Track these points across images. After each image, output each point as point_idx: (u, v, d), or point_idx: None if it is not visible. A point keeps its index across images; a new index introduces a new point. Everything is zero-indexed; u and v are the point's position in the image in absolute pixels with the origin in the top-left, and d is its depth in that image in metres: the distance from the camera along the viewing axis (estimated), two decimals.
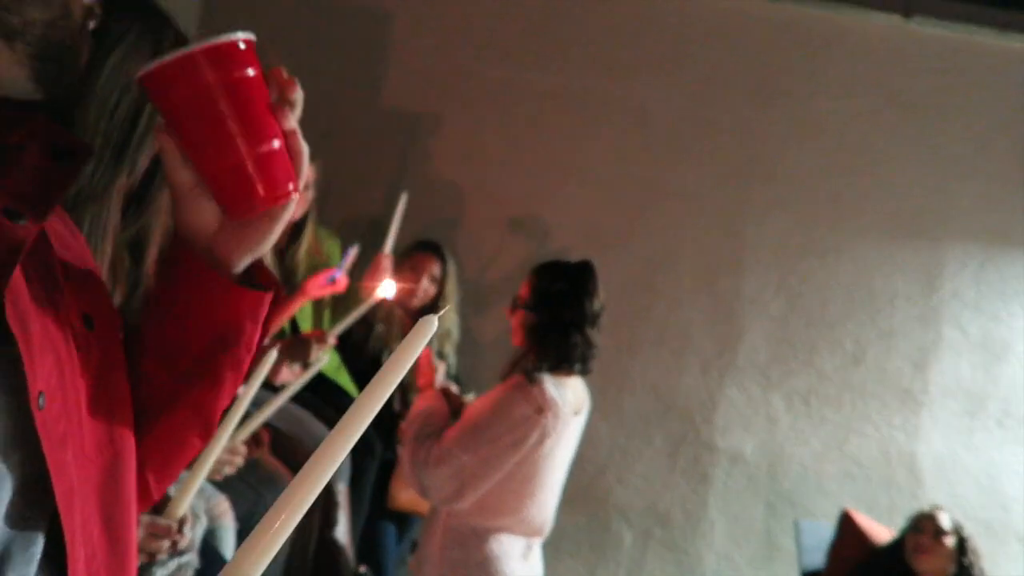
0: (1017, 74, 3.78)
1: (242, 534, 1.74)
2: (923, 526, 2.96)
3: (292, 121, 0.77)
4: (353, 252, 2.69)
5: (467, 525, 2.23)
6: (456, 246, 3.60)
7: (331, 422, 2.60)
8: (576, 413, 2.33)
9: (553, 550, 3.16)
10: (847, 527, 3.23)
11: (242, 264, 0.82)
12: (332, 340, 2.25)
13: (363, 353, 3.09)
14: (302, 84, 0.80)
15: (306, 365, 2.20)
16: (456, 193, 3.79)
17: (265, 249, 0.83)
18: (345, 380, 2.95)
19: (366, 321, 3.06)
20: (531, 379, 2.22)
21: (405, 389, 3.14)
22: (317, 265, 2.91)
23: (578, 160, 3.81)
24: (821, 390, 3.88)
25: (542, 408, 2.20)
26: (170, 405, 0.83)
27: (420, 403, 2.36)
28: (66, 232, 0.82)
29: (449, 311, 3.16)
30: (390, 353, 3.13)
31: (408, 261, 3.20)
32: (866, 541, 3.16)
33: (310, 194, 2.78)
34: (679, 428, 3.88)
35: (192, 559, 1.35)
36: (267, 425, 2.29)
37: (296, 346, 2.23)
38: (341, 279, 2.54)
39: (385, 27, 3.78)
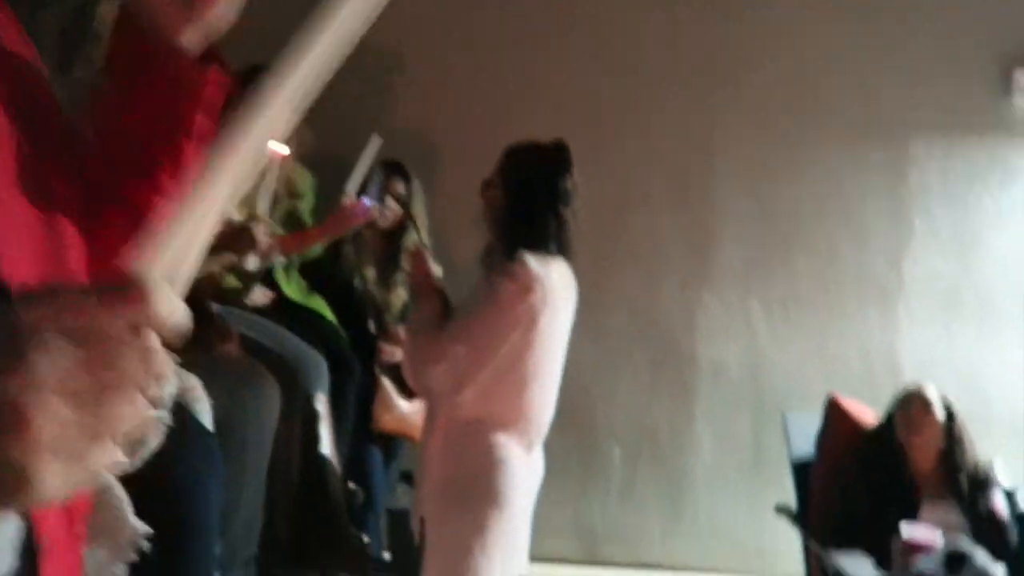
0: None
1: (220, 436, 1.67)
2: (911, 402, 2.96)
3: None
4: (379, 175, 2.80)
5: (469, 416, 2.17)
6: (428, 179, 3.51)
7: (310, 343, 2.53)
8: (564, 295, 2.27)
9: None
10: (834, 413, 3.23)
11: (189, 40, 0.76)
12: (265, 219, 2.18)
13: (334, 278, 3.01)
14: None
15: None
16: (425, 125, 3.71)
17: (211, 25, 0.77)
18: (319, 304, 2.87)
19: (335, 245, 2.99)
20: (512, 257, 2.14)
21: (380, 311, 3.07)
22: (294, 194, 2.84)
23: (544, 84, 3.75)
24: (798, 294, 3.87)
25: (529, 286, 2.12)
26: (103, 206, 0.78)
27: (418, 311, 2.28)
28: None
29: (422, 231, 3.08)
30: (361, 277, 3.07)
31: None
32: (855, 425, 3.16)
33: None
34: (660, 343, 3.85)
35: (163, 415, 1.27)
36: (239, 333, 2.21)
37: (238, 235, 2.12)
38: (374, 208, 2.64)
39: None
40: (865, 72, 3.82)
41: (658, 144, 3.80)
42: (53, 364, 0.39)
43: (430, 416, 2.25)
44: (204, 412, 1.51)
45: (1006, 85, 3.81)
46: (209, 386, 1.65)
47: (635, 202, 3.81)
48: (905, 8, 3.80)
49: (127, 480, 1.19)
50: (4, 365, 0.38)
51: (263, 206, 2.21)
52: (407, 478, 3.05)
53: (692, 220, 3.86)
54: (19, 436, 0.38)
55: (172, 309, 0.43)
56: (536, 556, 2.43)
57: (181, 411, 1.38)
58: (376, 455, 2.95)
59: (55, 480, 0.39)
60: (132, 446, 1.24)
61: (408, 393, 3.02)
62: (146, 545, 1.17)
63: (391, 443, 3.03)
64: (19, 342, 0.39)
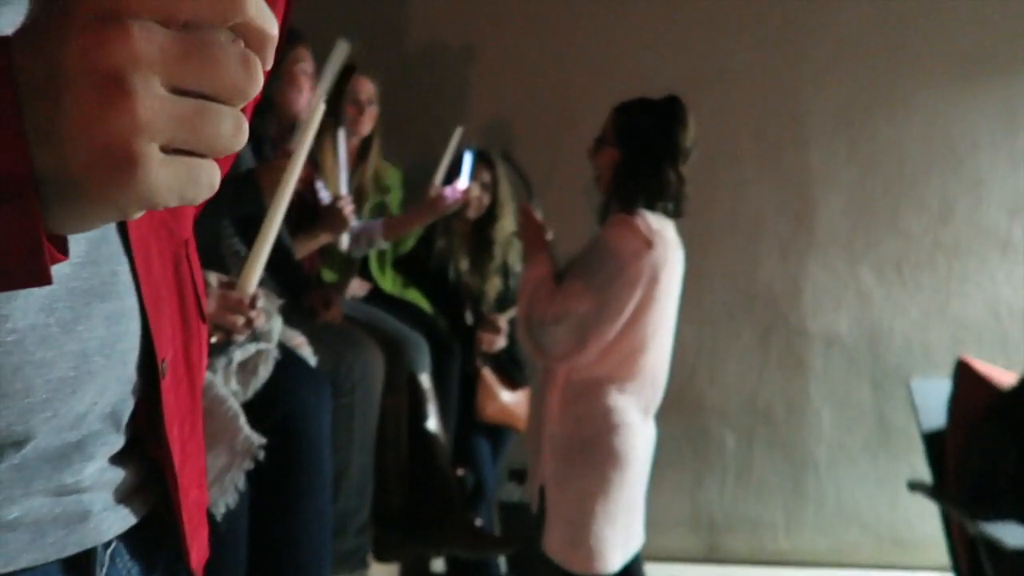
0: None
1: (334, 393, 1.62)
2: None
3: None
4: (469, 157, 2.80)
5: (587, 378, 2.11)
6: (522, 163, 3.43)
7: (410, 325, 2.50)
8: (678, 257, 2.19)
9: (654, 463, 2.98)
10: (965, 376, 2.98)
11: None
12: (346, 192, 2.18)
13: (428, 272, 2.97)
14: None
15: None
16: (511, 110, 3.64)
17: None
18: (415, 296, 2.85)
19: (427, 238, 2.95)
20: (631, 212, 2.08)
21: (476, 301, 3.01)
22: (383, 188, 2.83)
23: (616, 55, 3.63)
24: (912, 255, 3.63)
25: (650, 241, 2.05)
26: None
27: (530, 270, 2.22)
28: None
29: (511, 218, 3.00)
30: (455, 268, 3.01)
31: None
32: (990, 386, 2.91)
33: (375, 110, 2.68)
34: (766, 318, 3.67)
35: (272, 348, 1.24)
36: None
37: (326, 213, 2.12)
38: (470, 187, 2.71)
39: None
40: (964, 7, 3.54)
41: (743, 111, 3.63)
42: (151, 41, 0.34)
43: (545, 379, 2.18)
44: (312, 362, 1.49)
45: None
46: (315, 348, 1.62)
47: (725, 173, 3.64)
48: None
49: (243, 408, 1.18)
50: (101, 28, 0.34)
51: (343, 185, 2.20)
52: (517, 476, 2.96)
53: (788, 187, 3.67)
54: (122, 108, 0.33)
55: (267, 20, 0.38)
56: (652, 554, 2.30)
57: (290, 353, 1.35)
58: (483, 445, 2.88)
59: (160, 170, 0.35)
60: (245, 378, 1.20)
61: (509, 384, 2.96)
62: (261, 455, 1.15)
63: (497, 435, 2.95)
64: (116, 6, 0.34)
